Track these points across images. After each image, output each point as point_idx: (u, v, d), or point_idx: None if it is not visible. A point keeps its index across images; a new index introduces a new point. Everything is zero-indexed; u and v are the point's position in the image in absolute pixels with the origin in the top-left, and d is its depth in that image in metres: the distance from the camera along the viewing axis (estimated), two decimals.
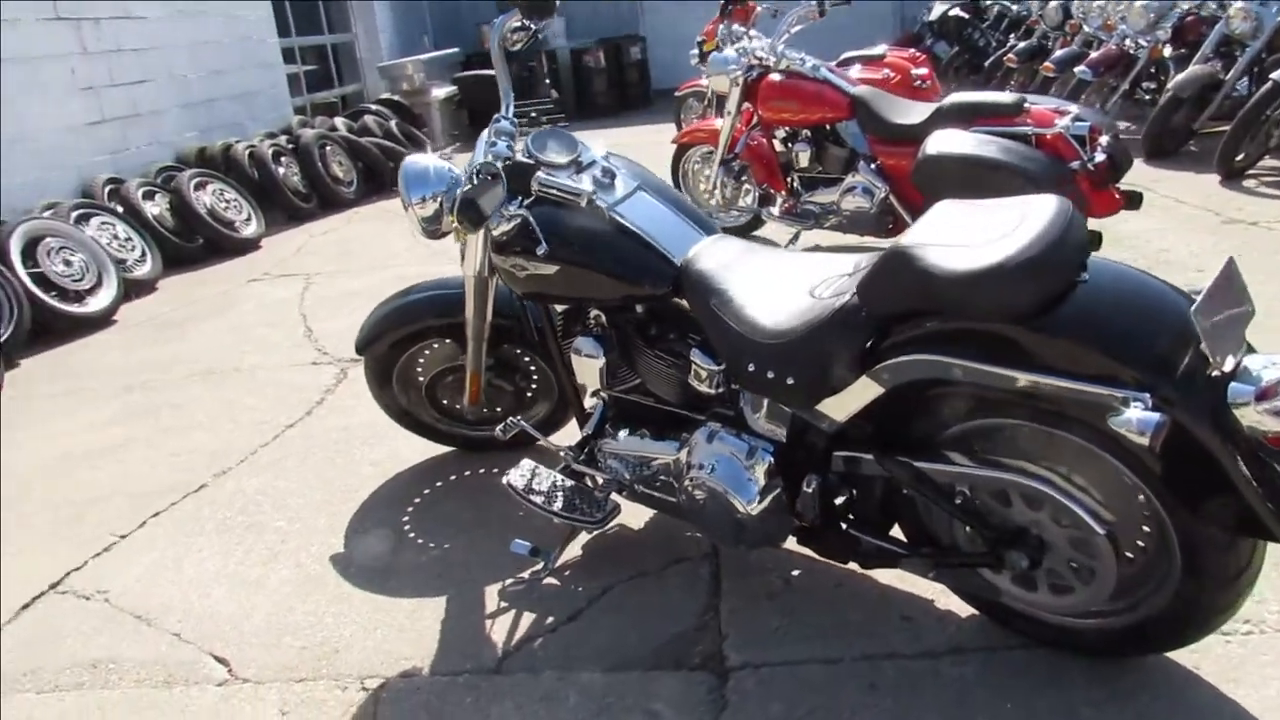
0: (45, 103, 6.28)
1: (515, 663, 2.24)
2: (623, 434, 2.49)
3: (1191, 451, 1.62)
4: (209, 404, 4.00)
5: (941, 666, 2.08)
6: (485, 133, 2.39)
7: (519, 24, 2.48)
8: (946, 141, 4.28)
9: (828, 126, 4.94)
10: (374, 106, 10.01)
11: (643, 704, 2.08)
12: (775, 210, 5.20)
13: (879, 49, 6.95)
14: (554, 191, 2.20)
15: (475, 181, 2.15)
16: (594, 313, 2.46)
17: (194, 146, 7.61)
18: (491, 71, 2.54)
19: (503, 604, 2.47)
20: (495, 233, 2.33)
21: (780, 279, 2.12)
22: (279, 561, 2.76)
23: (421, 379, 3.09)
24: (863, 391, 1.93)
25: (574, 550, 2.64)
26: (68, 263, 5.23)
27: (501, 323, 2.77)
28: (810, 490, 2.06)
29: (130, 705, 2.22)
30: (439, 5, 13.24)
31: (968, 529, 1.99)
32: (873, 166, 4.77)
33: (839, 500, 2.13)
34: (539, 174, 2.22)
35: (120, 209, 6.24)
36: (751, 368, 2.03)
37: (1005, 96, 4.39)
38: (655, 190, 2.43)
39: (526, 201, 2.26)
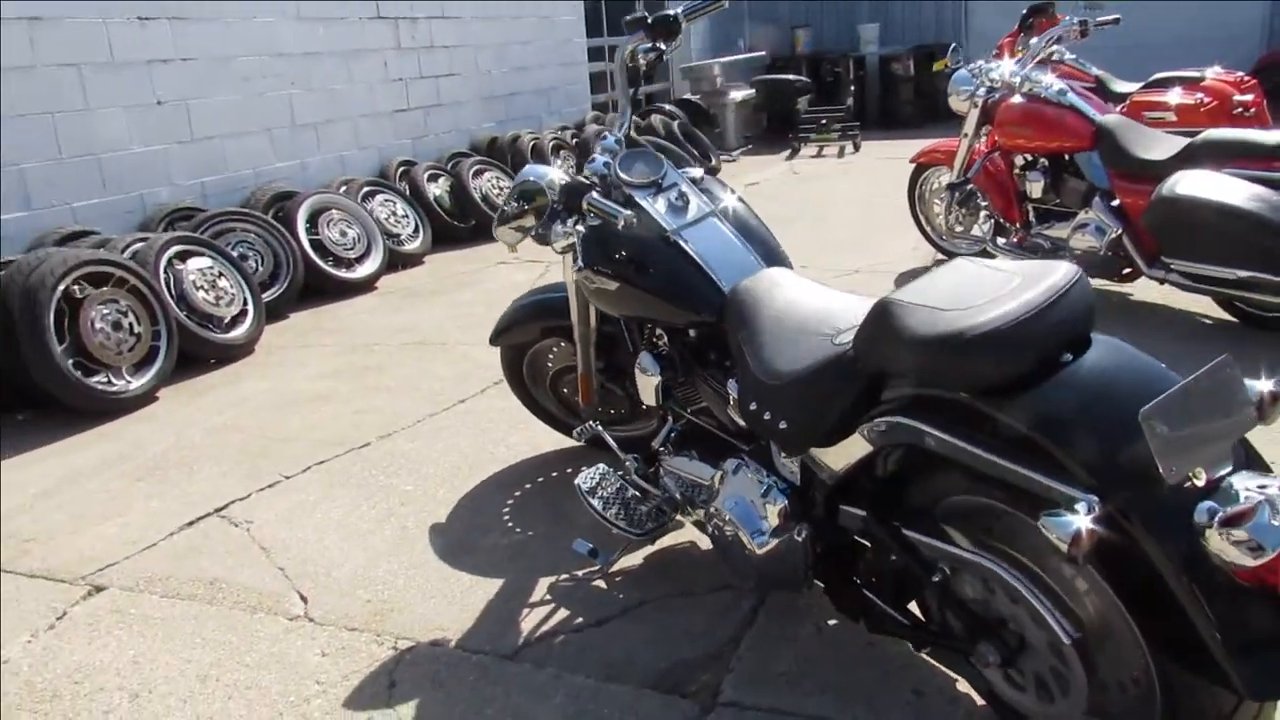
0: (359, 91, 7.18)
1: (528, 654, 2.35)
2: (680, 453, 2.50)
3: (1150, 574, 1.40)
4: (408, 371, 4.44)
5: None
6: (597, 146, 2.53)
7: (647, 45, 2.56)
8: (1187, 182, 3.82)
9: (1066, 157, 4.53)
10: (667, 106, 10.40)
11: (617, 718, 2.10)
12: (1003, 242, 4.86)
13: (1202, 71, 6.26)
14: (599, 211, 2.26)
15: (515, 204, 2.26)
16: (657, 331, 2.50)
17: (487, 135, 8.35)
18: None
19: (546, 597, 2.58)
20: (556, 248, 2.44)
21: (812, 318, 2.05)
22: (389, 521, 3.05)
23: (548, 373, 3.26)
24: (854, 446, 1.83)
25: (635, 559, 2.69)
26: (343, 233, 5.98)
27: (609, 330, 2.87)
28: (802, 538, 1.98)
29: (219, 622, 2.57)
30: (759, 5, 13.37)
31: (948, 611, 1.83)
32: (1110, 204, 4.31)
33: (846, 556, 2.03)
34: (590, 195, 2.29)
35: (406, 189, 7.02)
36: (754, 405, 1.99)
37: (1270, 136, 3.81)
38: (732, 218, 2.42)
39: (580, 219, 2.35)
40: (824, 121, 10.83)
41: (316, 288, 5.75)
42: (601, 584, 2.62)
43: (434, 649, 2.40)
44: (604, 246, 2.36)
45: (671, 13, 2.47)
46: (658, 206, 2.36)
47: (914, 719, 2.02)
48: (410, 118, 7.70)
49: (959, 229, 5.26)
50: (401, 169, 7.29)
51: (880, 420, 1.74)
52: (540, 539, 2.87)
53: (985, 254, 5.14)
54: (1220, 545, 1.34)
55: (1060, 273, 1.60)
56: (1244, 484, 1.38)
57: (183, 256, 4.80)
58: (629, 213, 2.21)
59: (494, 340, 3.26)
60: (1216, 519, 1.35)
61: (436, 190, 7.23)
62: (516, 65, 8.93)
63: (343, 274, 5.90)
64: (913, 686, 2.10)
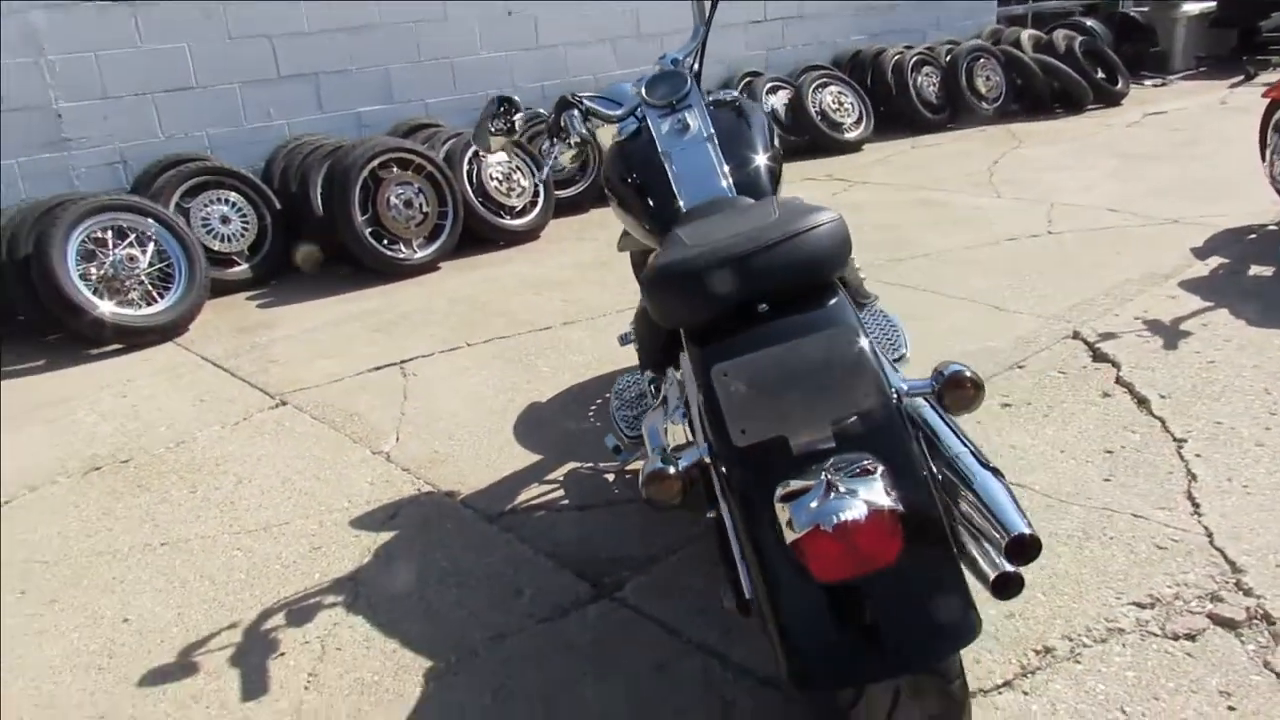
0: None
1: (506, 519, 2.64)
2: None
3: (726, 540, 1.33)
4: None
5: None
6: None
7: None
8: None
9: None
10: (1088, 22, 9.29)
11: (520, 582, 2.34)
12: None
13: None
14: (597, 114, 2.37)
15: (495, 106, 2.43)
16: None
17: (850, 49, 8.16)
18: None
19: (559, 478, 2.83)
20: (564, 161, 2.56)
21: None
22: (509, 393, 3.46)
23: None
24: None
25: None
26: None
27: None
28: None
29: (329, 443, 3.19)
30: None
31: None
32: None
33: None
34: (584, 102, 2.40)
35: None
36: (632, 325, 2.05)
37: None
38: (733, 145, 2.38)
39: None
40: (1250, 71, 8.92)
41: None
42: (610, 478, 2.80)
43: (444, 498, 2.79)
44: (610, 165, 2.48)
45: None
46: (662, 127, 2.41)
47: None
48: (766, 29, 7.79)
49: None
50: (745, 80, 7.46)
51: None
52: (600, 432, 3.10)
53: None
54: (780, 517, 1.25)
55: (801, 219, 1.48)
56: (827, 463, 1.25)
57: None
58: (621, 118, 2.30)
59: (621, 246, 3.46)
60: (778, 492, 1.25)
61: (774, 103, 7.32)
62: None
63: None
64: None
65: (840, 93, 7.48)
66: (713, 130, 2.39)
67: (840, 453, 1.28)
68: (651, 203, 2.32)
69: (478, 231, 5.34)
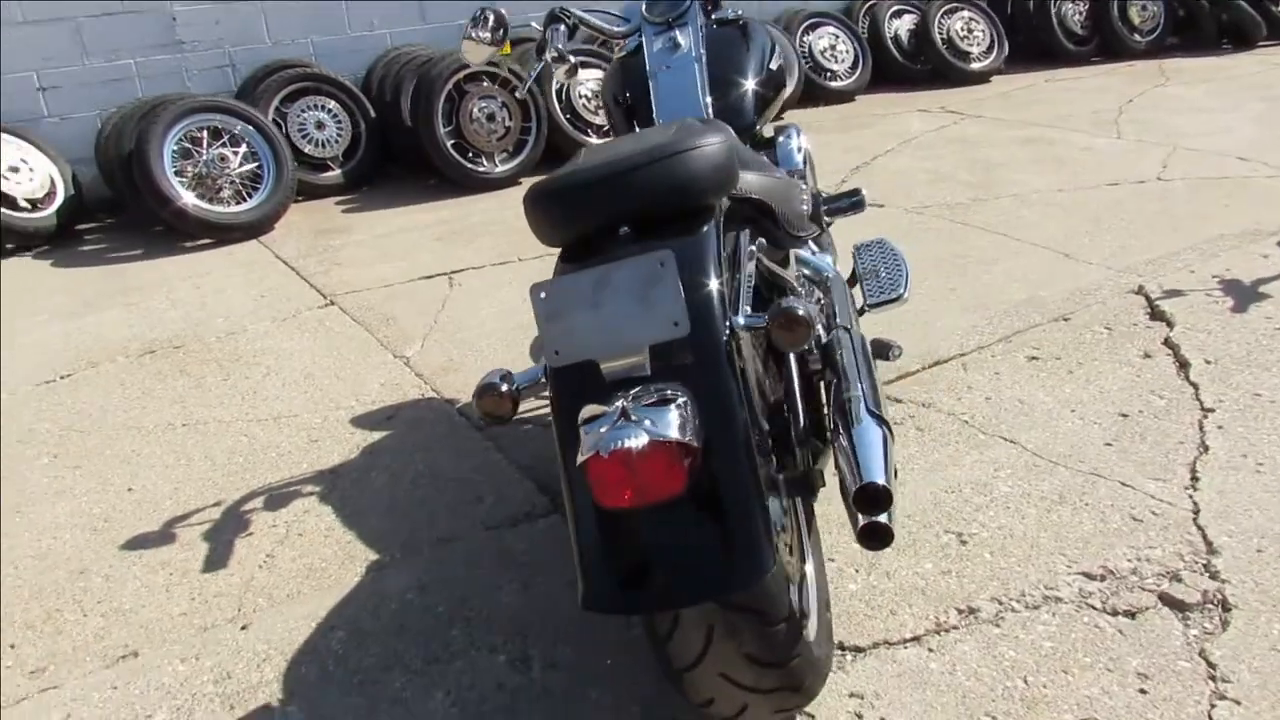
0: None
1: (486, 430, 2.71)
2: None
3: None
4: None
5: None
6: None
7: None
8: None
9: None
10: None
11: (448, 491, 2.41)
12: None
13: None
14: (589, 25, 2.34)
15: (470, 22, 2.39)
16: None
17: None
18: None
19: None
20: (559, 74, 2.52)
21: None
22: None
23: None
24: None
25: None
26: None
27: None
28: None
29: (358, 344, 3.32)
30: None
31: None
32: None
33: None
34: (574, 16, 2.35)
35: (865, 24, 6.88)
36: None
37: None
38: (724, 67, 2.29)
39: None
40: None
41: None
42: None
43: (443, 405, 2.87)
44: (605, 84, 2.45)
45: None
46: (654, 45, 2.34)
47: None
48: None
49: None
50: (868, 4, 7.10)
51: None
52: None
53: None
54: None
55: (681, 141, 1.42)
56: (633, 390, 1.23)
57: (585, 65, 5.50)
58: (621, 28, 2.26)
59: None
60: (580, 415, 1.24)
61: (897, 28, 6.96)
62: None
63: None
64: None
65: (971, 19, 7.02)
66: (702, 51, 2.31)
67: (655, 382, 1.25)
68: (635, 125, 2.28)
69: (564, 149, 5.34)
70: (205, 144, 4.57)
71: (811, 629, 1.62)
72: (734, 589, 1.24)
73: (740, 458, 1.24)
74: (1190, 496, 2.13)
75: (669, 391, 1.23)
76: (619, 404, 1.20)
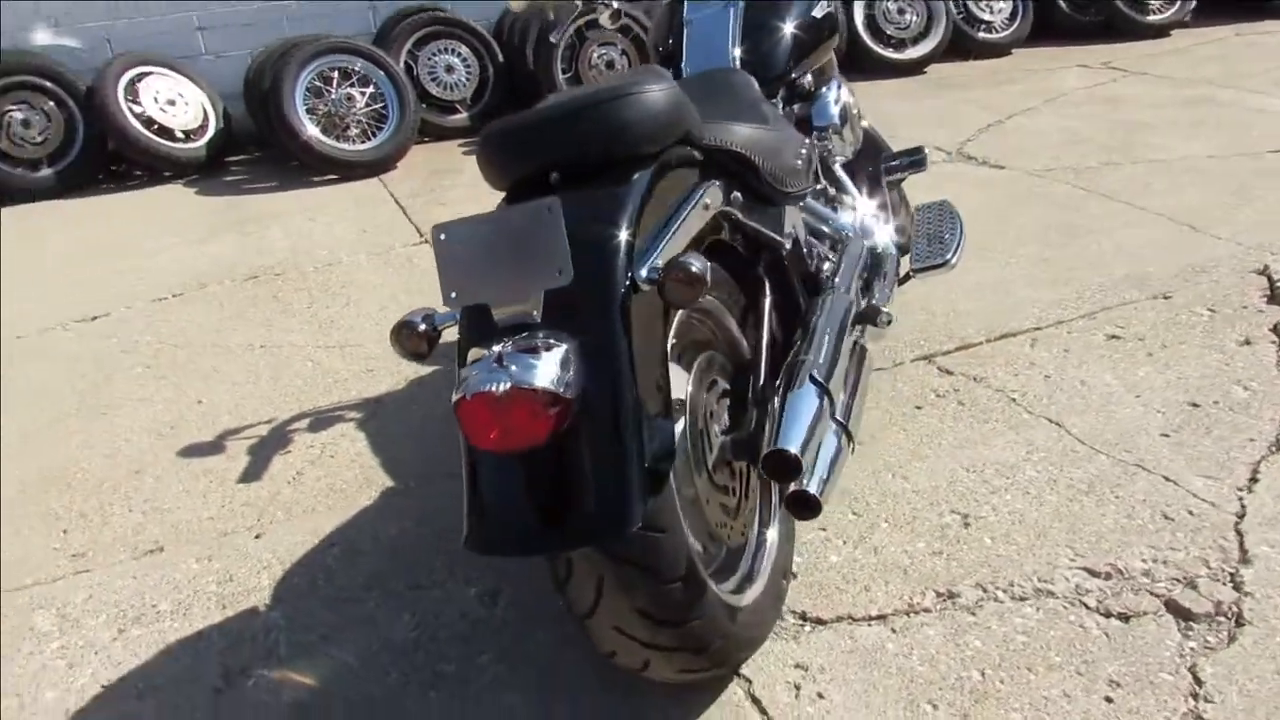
0: None
1: None
2: None
3: None
4: None
5: None
6: None
7: None
8: None
9: None
10: None
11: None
12: None
13: None
14: None
15: None
16: None
17: None
18: None
19: None
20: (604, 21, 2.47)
21: None
22: None
23: None
24: None
25: None
26: (901, 11, 5.89)
27: None
28: None
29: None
30: None
31: None
32: None
33: None
34: None
35: None
36: None
37: None
38: (763, 14, 2.21)
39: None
40: None
41: (856, 64, 5.87)
42: None
43: None
44: (650, 31, 2.42)
45: None
46: None
47: None
48: None
49: None
50: None
51: None
52: None
53: None
54: None
55: (617, 88, 1.38)
56: (518, 336, 1.22)
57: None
58: None
59: None
60: (467, 357, 1.25)
61: None
62: None
63: (889, 54, 5.88)
64: None
65: None
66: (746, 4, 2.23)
67: (543, 329, 1.23)
68: (666, 55, 2.25)
69: None
70: (335, 84, 4.79)
71: (751, 594, 1.58)
72: (587, 542, 1.23)
73: (614, 411, 1.21)
74: (1240, 499, 1.92)
75: (551, 340, 1.21)
76: (496, 349, 1.19)
